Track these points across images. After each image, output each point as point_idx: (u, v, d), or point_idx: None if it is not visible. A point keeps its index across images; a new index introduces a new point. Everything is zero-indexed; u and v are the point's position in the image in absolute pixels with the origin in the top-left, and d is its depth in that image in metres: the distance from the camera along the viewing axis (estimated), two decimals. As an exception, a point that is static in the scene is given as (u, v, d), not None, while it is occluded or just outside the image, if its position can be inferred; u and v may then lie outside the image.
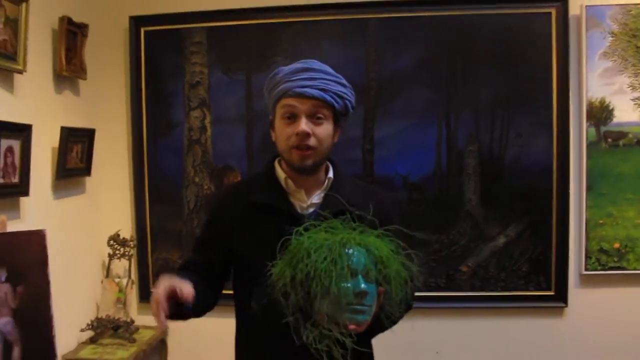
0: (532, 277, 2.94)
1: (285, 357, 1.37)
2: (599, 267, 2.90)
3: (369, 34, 2.92)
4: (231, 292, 1.65)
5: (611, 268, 2.89)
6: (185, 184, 3.07)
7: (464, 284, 2.95)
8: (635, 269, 2.86)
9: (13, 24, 2.27)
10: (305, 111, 1.42)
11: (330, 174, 1.55)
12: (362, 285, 1.22)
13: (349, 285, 1.21)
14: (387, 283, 1.28)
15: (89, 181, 2.97)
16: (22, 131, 2.32)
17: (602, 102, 2.88)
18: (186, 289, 1.31)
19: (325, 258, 1.20)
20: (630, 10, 2.82)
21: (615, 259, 2.90)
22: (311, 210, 1.49)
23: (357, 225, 1.30)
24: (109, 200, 3.12)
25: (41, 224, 2.28)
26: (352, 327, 1.23)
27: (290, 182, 1.51)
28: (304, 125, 1.41)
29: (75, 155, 2.76)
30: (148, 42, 3.05)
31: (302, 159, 1.44)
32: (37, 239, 2.16)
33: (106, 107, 3.07)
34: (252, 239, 1.47)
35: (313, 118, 1.43)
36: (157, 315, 1.27)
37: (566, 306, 2.93)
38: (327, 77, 1.45)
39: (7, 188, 2.25)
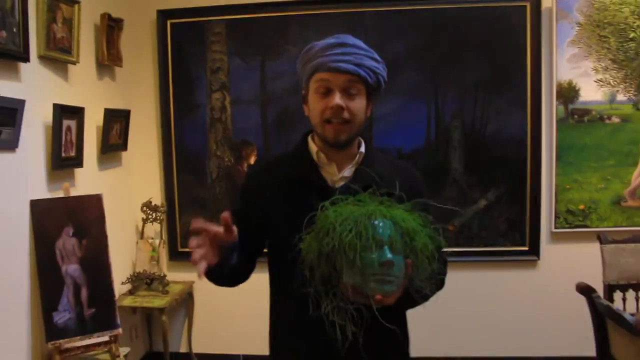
0: (509, 234, 3.40)
1: (312, 329, 1.34)
2: (566, 226, 3.37)
3: (366, 25, 3.35)
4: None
5: (577, 226, 3.36)
6: (208, 157, 3.53)
7: (451, 241, 3.41)
8: (597, 227, 3.32)
9: (68, 23, 2.70)
10: (340, 85, 1.41)
11: (362, 149, 1.54)
12: (388, 256, 1.20)
13: (374, 255, 1.19)
14: (415, 255, 1.26)
15: (125, 155, 3.42)
16: (77, 113, 2.76)
17: (569, 83, 3.32)
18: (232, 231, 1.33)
19: (350, 230, 1.19)
20: (594, 4, 3.25)
21: (580, 219, 3.37)
22: (342, 183, 1.47)
23: (385, 199, 1.29)
24: (142, 171, 3.57)
25: (90, 192, 2.75)
26: (378, 297, 1.21)
27: (322, 155, 1.50)
28: (338, 99, 1.40)
29: (115, 133, 3.22)
30: (174, 33, 3.48)
31: (336, 132, 1.43)
32: (96, 201, 2.63)
33: (139, 91, 3.52)
34: (283, 212, 1.46)
35: (347, 93, 1.42)
36: (196, 260, 1.28)
37: (538, 259, 3.40)
38: (361, 52, 1.44)
39: (67, 160, 2.71)
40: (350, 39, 1.45)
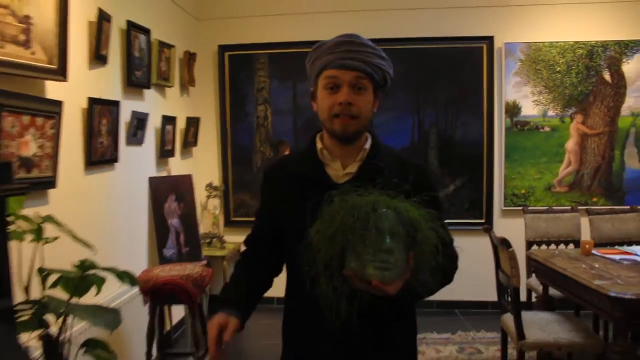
0: (471, 211, 4.71)
1: (312, 314, 1.41)
2: (512, 205, 4.68)
3: (370, 59, 4.68)
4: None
5: (519, 205, 4.64)
6: (254, 152, 4.88)
7: (428, 215, 4.73)
8: (534, 206, 4.61)
9: (167, 60, 4.05)
10: (348, 81, 1.44)
11: (367, 145, 1.55)
12: (388, 242, 1.22)
13: (375, 243, 1.22)
14: (417, 247, 1.27)
15: (195, 150, 4.78)
16: (172, 120, 4.12)
17: (514, 102, 4.63)
18: (231, 326, 1.43)
19: (352, 216, 1.23)
20: (532, 46, 4.56)
21: (522, 200, 4.67)
22: (346, 179, 1.50)
23: (391, 192, 1.30)
24: (206, 161, 4.92)
25: (178, 174, 4.10)
26: (375, 283, 1.23)
27: (325, 152, 1.53)
28: (346, 94, 1.43)
29: (190, 133, 4.57)
30: (230, 62, 4.83)
31: (344, 126, 1.45)
32: (188, 179, 3.99)
33: (205, 104, 4.88)
34: (290, 208, 1.51)
35: (354, 88, 1.45)
36: (211, 349, 1.42)
37: (492, 229, 4.69)
38: (367, 49, 1.47)
39: (167, 152, 4.08)
40: (358, 38, 1.48)
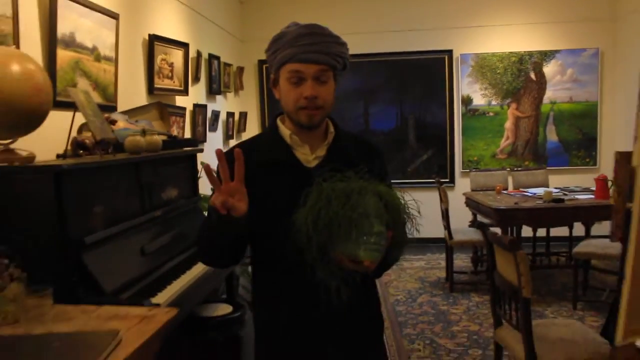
0: (440, 173, 6.67)
1: (299, 295, 1.49)
2: (467, 168, 6.63)
3: (363, 68, 6.63)
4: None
5: (473, 169, 6.59)
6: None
7: (411, 176, 6.71)
8: (487, 169, 6.55)
9: (228, 74, 6.05)
10: (311, 75, 1.47)
11: (332, 129, 1.60)
12: (377, 227, 1.32)
13: (365, 228, 1.30)
14: (396, 227, 1.38)
15: (244, 134, 6.78)
16: (232, 114, 6.13)
17: (467, 96, 6.57)
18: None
19: (344, 204, 1.29)
20: (479, 56, 6.49)
21: (475, 164, 6.63)
22: (316, 163, 1.54)
23: (365, 175, 1.38)
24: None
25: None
26: (367, 263, 1.32)
27: (295, 137, 1.56)
28: (310, 89, 1.46)
29: (242, 123, 6.57)
30: (266, 71, 6.81)
31: (310, 117, 1.49)
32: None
33: (249, 102, 6.88)
34: (263, 193, 1.48)
35: (318, 80, 1.48)
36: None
37: (454, 186, 6.66)
38: (328, 39, 1.50)
39: (229, 136, 6.09)
40: (318, 28, 1.51)
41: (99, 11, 3.19)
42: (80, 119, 2.52)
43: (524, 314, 2.34)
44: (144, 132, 2.80)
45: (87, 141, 2.57)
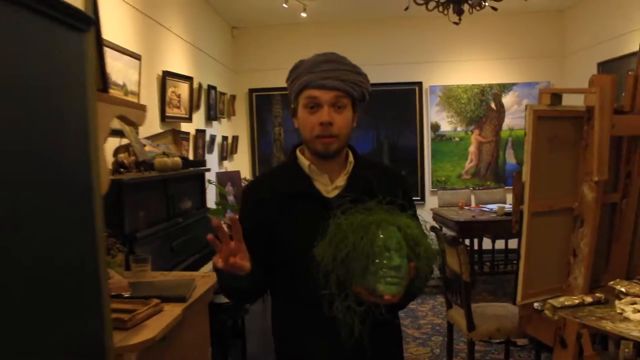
0: (412, 191, 7.42)
1: (318, 329, 1.46)
2: (436, 187, 7.40)
3: (345, 96, 7.39)
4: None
5: (441, 188, 7.36)
6: (273, 156, 7.59)
7: (384, 194, 7.45)
8: (453, 188, 7.33)
9: (223, 102, 6.77)
10: (328, 101, 1.48)
11: (351, 158, 1.60)
12: (397, 260, 1.30)
13: (384, 260, 1.29)
14: (417, 259, 1.35)
15: (236, 155, 7.49)
16: (226, 137, 6.85)
17: (435, 122, 7.38)
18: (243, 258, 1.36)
19: (362, 237, 1.28)
20: (446, 87, 7.31)
21: (443, 184, 7.41)
22: (336, 193, 1.53)
23: (388, 207, 1.36)
24: (242, 164, 7.62)
25: (230, 170, 6.84)
26: (388, 297, 1.31)
27: (313, 167, 1.55)
28: (326, 115, 1.47)
29: (234, 145, 7.28)
30: (256, 99, 7.56)
31: (326, 146, 1.49)
32: (237, 173, 6.73)
33: (240, 126, 7.60)
34: (283, 225, 1.51)
35: (334, 107, 1.49)
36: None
37: (424, 203, 7.42)
38: (346, 67, 1.53)
39: (224, 157, 6.80)
40: (336, 56, 1.56)
41: (127, 54, 3.91)
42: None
43: (465, 294, 3.05)
44: (167, 155, 3.51)
45: (125, 161, 3.27)
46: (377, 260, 1.29)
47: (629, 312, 1.86)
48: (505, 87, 7.29)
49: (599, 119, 2.14)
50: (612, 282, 2.19)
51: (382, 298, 1.31)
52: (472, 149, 7.40)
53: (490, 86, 7.29)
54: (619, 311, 1.93)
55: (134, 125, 2.85)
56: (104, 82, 1.58)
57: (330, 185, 1.55)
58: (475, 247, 6.29)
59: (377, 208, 1.35)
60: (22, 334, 0.95)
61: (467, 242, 5.70)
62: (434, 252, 1.40)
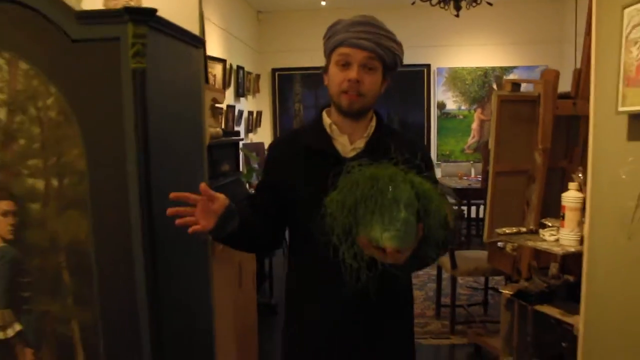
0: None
1: (327, 277, 1.48)
2: (443, 159, 8.13)
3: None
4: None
5: (446, 160, 8.09)
6: (294, 129, 8.34)
7: (393, 166, 8.21)
8: (455, 161, 8.05)
9: (249, 80, 7.52)
10: (359, 61, 1.49)
11: (373, 122, 1.62)
12: (403, 212, 1.26)
13: (393, 213, 1.26)
14: (428, 217, 1.32)
15: (259, 129, 8.26)
16: (251, 113, 7.62)
17: (442, 101, 8.09)
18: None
19: (372, 186, 1.27)
20: (452, 69, 8.00)
21: (447, 158, 8.14)
22: (353, 154, 1.54)
23: (404, 167, 1.33)
24: (265, 135, 8.40)
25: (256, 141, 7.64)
26: (390, 250, 1.28)
27: (334, 127, 1.58)
28: (355, 73, 1.48)
29: (259, 120, 8.05)
30: (279, 78, 8.30)
31: (351, 103, 1.51)
32: (262, 145, 7.52)
33: (264, 102, 8.36)
34: (300, 180, 1.55)
35: (365, 68, 1.49)
36: (180, 224, 1.36)
37: (430, 174, 8.15)
38: (382, 32, 1.52)
39: (249, 130, 7.58)
40: (374, 20, 1.54)
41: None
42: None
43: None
44: (210, 126, 4.30)
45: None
46: (384, 211, 1.26)
47: (547, 236, 2.61)
48: (506, 70, 7.96)
49: (543, 103, 2.87)
50: (544, 219, 2.89)
51: (384, 253, 1.29)
52: (474, 126, 8.11)
53: (493, 69, 7.97)
54: (541, 236, 2.67)
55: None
56: (205, 76, 2.37)
57: (349, 147, 1.57)
58: (473, 215, 7.05)
59: (392, 166, 1.34)
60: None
61: (464, 210, 6.47)
62: (447, 211, 1.37)
